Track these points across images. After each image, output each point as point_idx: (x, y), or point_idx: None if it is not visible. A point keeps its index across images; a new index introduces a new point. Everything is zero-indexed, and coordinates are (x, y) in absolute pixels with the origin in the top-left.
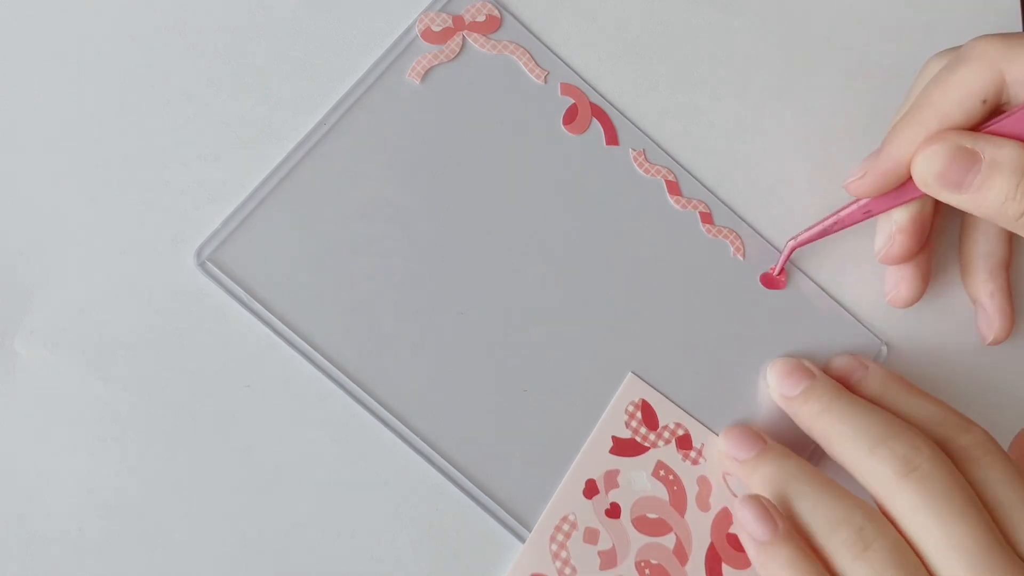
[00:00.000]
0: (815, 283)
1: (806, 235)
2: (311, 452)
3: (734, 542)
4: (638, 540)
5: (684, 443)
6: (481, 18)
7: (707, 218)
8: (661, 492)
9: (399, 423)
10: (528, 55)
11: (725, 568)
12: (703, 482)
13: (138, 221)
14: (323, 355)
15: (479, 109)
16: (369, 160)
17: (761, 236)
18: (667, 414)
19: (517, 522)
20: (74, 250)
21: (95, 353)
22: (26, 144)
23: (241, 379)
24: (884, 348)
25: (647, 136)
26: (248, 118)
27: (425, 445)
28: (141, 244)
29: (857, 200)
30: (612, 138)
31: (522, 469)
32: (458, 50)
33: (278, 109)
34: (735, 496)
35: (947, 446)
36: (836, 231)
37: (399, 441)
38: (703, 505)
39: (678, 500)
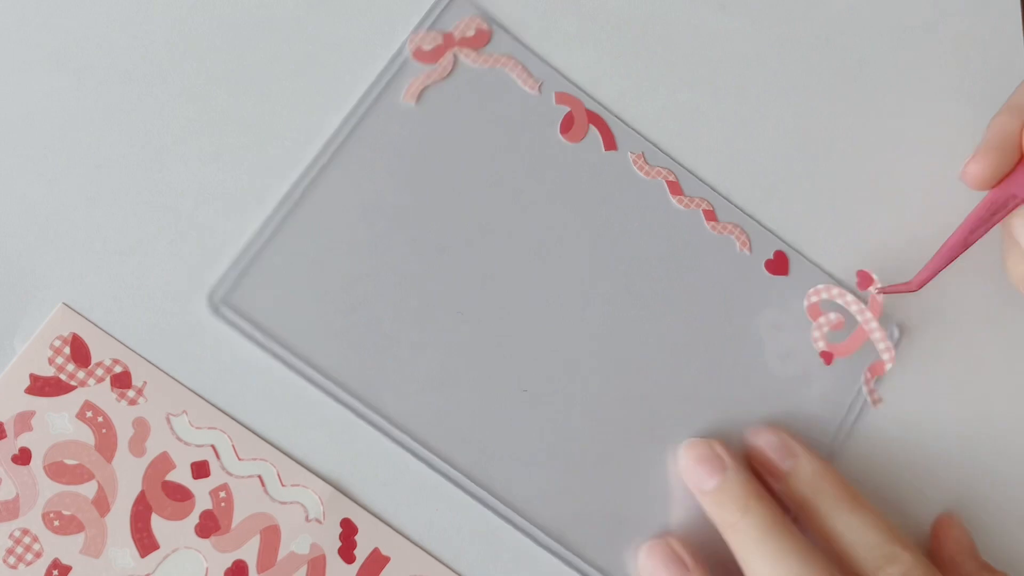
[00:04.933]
0: (822, 270)
1: (933, 266)
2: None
3: (170, 490)
4: (49, 489)
5: (121, 381)
6: (471, 33)
7: (710, 215)
8: (86, 436)
9: (426, 451)
10: (521, 67)
11: (155, 519)
12: (140, 424)
13: (139, 220)
14: (346, 390)
15: (476, 125)
16: (371, 187)
17: (765, 228)
18: (104, 349)
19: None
20: (74, 250)
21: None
22: (26, 145)
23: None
24: (895, 329)
25: (645, 139)
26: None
27: (455, 471)
28: (144, 249)
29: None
30: (610, 143)
31: (532, 470)
32: (450, 68)
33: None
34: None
35: None
36: (970, 244)
37: (427, 469)
38: (137, 450)
39: (106, 444)
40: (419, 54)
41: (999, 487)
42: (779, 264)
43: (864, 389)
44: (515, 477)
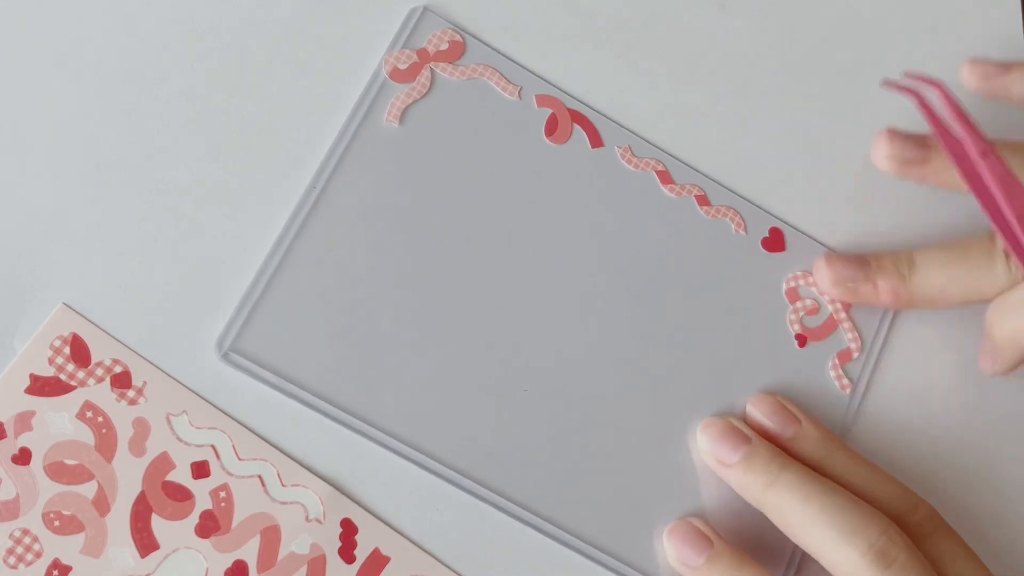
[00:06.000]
0: (819, 243)
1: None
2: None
3: (170, 490)
4: (49, 489)
5: (121, 381)
6: (444, 46)
7: (703, 200)
8: (86, 436)
9: (428, 459)
10: (498, 74)
11: (155, 519)
12: (140, 424)
13: (139, 220)
14: (345, 409)
15: (462, 138)
16: (365, 213)
17: (758, 207)
18: (104, 349)
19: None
20: (74, 250)
21: None
22: (27, 145)
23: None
24: None
25: (630, 132)
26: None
27: (456, 474)
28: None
29: None
30: (596, 140)
31: (536, 467)
32: (429, 84)
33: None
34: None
35: (900, 523)
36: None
37: (429, 473)
38: (137, 450)
39: (106, 445)
40: (396, 74)
41: (997, 479)
42: (775, 241)
43: (832, 375)
44: (519, 476)
